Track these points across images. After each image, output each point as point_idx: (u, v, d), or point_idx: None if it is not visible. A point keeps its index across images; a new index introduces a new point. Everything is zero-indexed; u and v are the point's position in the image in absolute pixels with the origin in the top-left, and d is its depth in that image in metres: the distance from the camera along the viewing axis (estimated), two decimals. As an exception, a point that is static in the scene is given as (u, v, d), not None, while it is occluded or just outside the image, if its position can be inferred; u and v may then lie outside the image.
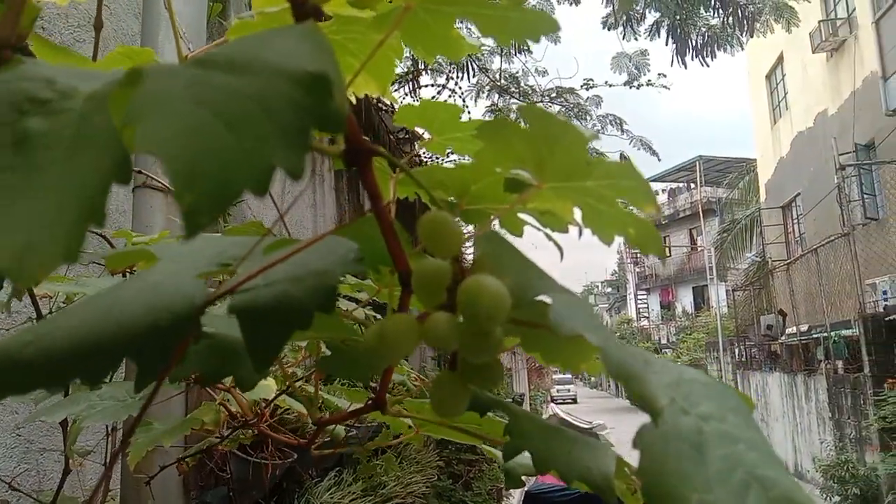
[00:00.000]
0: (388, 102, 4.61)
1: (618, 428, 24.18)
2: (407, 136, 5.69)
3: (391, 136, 5.31)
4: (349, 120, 0.26)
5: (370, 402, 0.40)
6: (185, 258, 0.34)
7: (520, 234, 0.40)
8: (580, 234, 0.34)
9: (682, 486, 0.22)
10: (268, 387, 1.02)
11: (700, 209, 29.22)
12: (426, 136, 0.57)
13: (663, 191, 35.99)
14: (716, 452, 0.23)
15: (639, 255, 37.66)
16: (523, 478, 0.51)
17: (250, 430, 1.26)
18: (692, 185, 32.03)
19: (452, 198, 0.38)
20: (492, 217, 0.38)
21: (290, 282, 0.25)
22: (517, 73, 6.66)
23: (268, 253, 0.31)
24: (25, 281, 0.18)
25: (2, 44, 0.28)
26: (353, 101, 0.48)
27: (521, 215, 0.40)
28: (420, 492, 3.85)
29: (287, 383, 0.84)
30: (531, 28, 0.40)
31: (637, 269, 38.05)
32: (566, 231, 0.37)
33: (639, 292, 38.30)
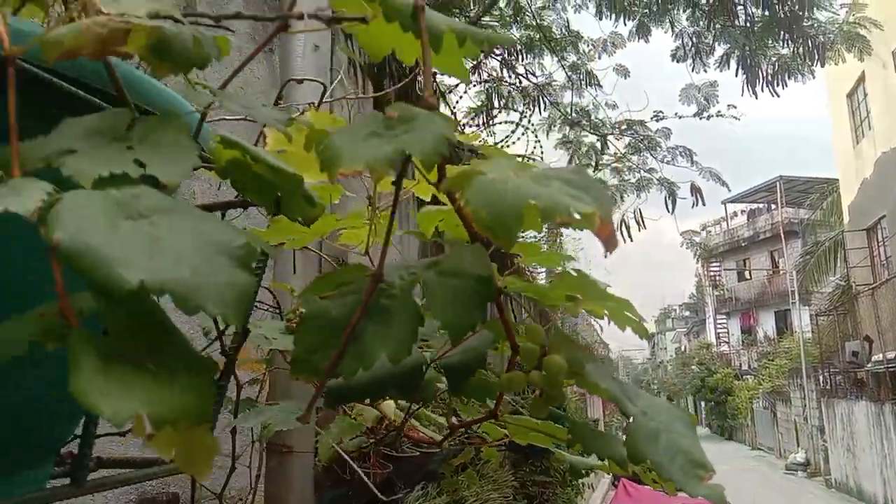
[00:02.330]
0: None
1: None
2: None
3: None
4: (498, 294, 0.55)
5: (489, 413, 0.68)
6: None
7: (575, 315, 0.67)
8: (609, 322, 0.62)
9: (646, 453, 0.49)
10: (390, 404, 1.32)
11: (781, 231, 28.46)
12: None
13: (742, 212, 35.17)
14: (663, 438, 0.50)
15: (718, 278, 36.79)
16: None
17: (368, 440, 1.57)
18: (772, 206, 31.22)
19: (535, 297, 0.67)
20: (560, 313, 0.66)
21: (464, 353, 0.54)
22: (587, 106, 6.92)
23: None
24: (395, 358, 0.47)
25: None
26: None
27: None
28: (497, 509, 4.08)
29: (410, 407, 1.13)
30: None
31: (716, 293, 37.13)
32: (602, 317, 0.65)
33: (718, 316, 37.33)
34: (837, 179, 18.98)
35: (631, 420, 0.50)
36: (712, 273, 36.56)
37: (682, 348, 51.73)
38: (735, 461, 25.36)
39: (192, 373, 0.39)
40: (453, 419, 0.79)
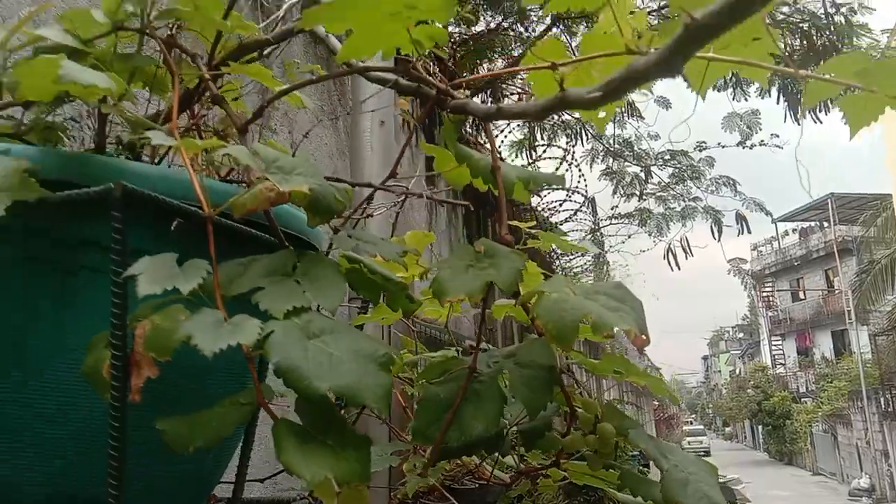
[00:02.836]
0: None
1: (754, 482, 22.88)
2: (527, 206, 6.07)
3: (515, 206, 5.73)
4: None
5: (553, 462, 0.85)
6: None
7: (619, 381, 0.83)
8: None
9: (677, 497, 0.65)
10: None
11: (836, 249, 27.82)
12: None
13: (794, 230, 34.52)
14: (692, 487, 0.66)
15: (771, 299, 36.02)
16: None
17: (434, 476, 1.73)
18: (825, 224, 30.57)
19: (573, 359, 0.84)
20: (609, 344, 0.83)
21: (535, 419, 0.72)
22: (630, 137, 7.06)
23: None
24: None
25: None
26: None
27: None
28: (553, 539, 4.17)
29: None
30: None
31: (770, 314, 36.35)
32: (643, 383, 0.81)
33: (773, 338, 36.49)
34: (891, 195, 18.58)
35: (665, 471, 0.66)
36: (765, 294, 35.84)
37: (737, 371, 50.53)
38: (796, 487, 24.61)
39: (356, 447, 0.57)
40: (521, 465, 0.95)
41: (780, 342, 35.45)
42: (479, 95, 6.89)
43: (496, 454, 0.92)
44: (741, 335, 54.76)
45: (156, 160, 0.84)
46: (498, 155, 0.72)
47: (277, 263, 0.66)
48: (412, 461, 1.63)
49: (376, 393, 0.56)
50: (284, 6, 0.96)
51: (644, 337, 0.59)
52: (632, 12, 0.67)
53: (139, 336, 0.60)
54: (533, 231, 0.93)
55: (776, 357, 35.75)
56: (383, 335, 1.71)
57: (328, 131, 2.44)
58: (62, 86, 0.64)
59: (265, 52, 0.98)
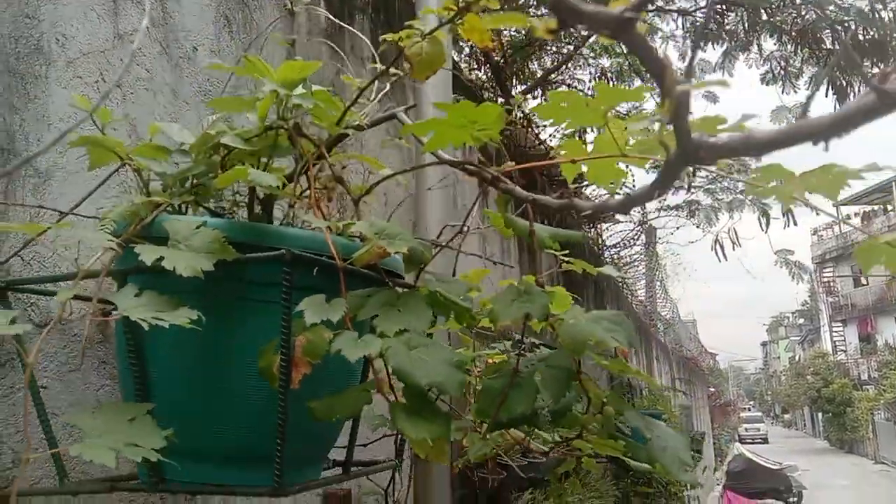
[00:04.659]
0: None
1: (813, 470, 22.55)
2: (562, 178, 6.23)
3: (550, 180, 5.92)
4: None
5: (577, 434, 1.17)
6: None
7: (621, 376, 1.14)
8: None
9: (658, 458, 0.96)
10: (510, 426, 1.82)
11: (900, 233, 26.98)
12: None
13: (856, 214, 33.61)
14: (669, 451, 0.97)
15: (832, 284, 35.20)
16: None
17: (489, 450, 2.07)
18: (888, 208, 29.69)
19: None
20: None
21: (560, 404, 1.04)
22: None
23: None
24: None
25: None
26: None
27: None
28: (600, 515, 4.48)
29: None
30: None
31: (831, 299, 35.54)
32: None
33: (834, 324, 35.70)
34: (958, 179, 18.02)
35: (649, 440, 0.98)
36: (826, 279, 35.05)
37: (796, 357, 49.50)
38: (857, 475, 24.21)
39: (441, 420, 0.90)
40: (556, 437, 1.27)
41: (840, 328, 34.67)
42: (534, 92, 7.13)
43: (535, 430, 1.24)
44: (801, 321, 53.54)
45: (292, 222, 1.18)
46: (533, 219, 1.04)
47: (386, 298, 1.00)
48: (472, 437, 1.98)
49: (456, 385, 0.89)
50: (378, 95, 1.29)
51: (627, 351, 0.91)
52: (625, 128, 0.98)
53: (299, 346, 0.94)
54: (566, 258, 1.25)
55: (837, 343, 34.97)
56: (448, 335, 2.05)
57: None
58: (249, 183, 0.99)
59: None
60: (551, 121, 1.03)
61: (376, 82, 1.26)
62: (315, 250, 1.01)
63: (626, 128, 0.98)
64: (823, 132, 0.56)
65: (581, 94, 1.01)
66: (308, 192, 1.17)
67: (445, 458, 0.92)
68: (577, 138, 1.02)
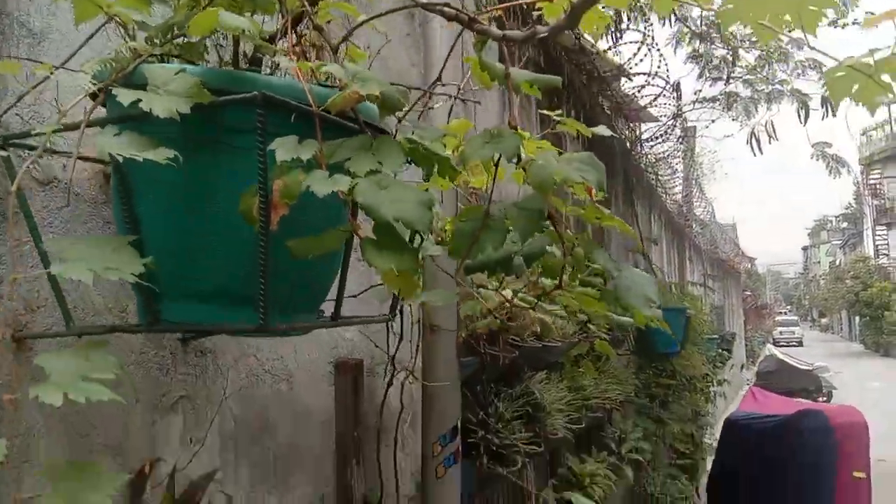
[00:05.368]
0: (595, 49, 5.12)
1: (845, 372, 22.64)
2: (614, 73, 5.97)
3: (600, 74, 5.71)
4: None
5: (556, 286, 1.20)
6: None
7: (595, 225, 1.16)
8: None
9: (624, 297, 0.99)
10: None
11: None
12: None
13: (910, 113, 32.08)
14: (634, 290, 0.99)
15: (878, 187, 34.16)
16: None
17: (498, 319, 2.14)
18: (946, 106, 28.29)
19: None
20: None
21: (532, 247, 1.07)
22: (717, 19, 6.84)
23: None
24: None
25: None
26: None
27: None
28: (617, 401, 4.60)
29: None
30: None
31: (875, 202, 34.60)
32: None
33: (878, 227, 34.90)
34: None
35: (614, 279, 1.00)
36: (872, 181, 34.01)
37: (837, 262, 48.80)
38: (891, 378, 24.27)
39: (408, 251, 0.94)
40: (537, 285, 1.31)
41: (885, 232, 33.88)
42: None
43: (512, 276, 1.28)
44: (844, 225, 52.40)
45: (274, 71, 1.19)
46: (509, 63, 1.03)
47: (360, 143, 1.01)
48: (469, 305, 2.04)
49: (423, 221, 0.92)
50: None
51: (593, 189, 0.92)
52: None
53: (276, 188, 0.97)
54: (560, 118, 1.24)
55: (879, 247, 34.30)
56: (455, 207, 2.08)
57: (410, 50, 2.73)
58: (219, 26, 0.99)
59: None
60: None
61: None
62: (292, 97, 1.02)
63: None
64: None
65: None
66: (294, 47, 1.17)
67: (413, 292, 0.96)
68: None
